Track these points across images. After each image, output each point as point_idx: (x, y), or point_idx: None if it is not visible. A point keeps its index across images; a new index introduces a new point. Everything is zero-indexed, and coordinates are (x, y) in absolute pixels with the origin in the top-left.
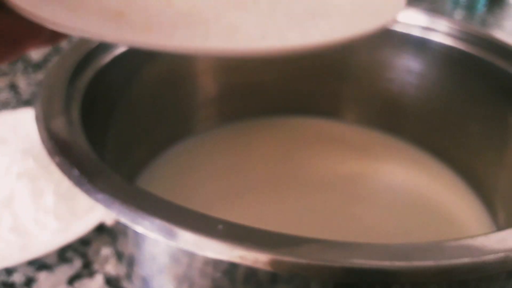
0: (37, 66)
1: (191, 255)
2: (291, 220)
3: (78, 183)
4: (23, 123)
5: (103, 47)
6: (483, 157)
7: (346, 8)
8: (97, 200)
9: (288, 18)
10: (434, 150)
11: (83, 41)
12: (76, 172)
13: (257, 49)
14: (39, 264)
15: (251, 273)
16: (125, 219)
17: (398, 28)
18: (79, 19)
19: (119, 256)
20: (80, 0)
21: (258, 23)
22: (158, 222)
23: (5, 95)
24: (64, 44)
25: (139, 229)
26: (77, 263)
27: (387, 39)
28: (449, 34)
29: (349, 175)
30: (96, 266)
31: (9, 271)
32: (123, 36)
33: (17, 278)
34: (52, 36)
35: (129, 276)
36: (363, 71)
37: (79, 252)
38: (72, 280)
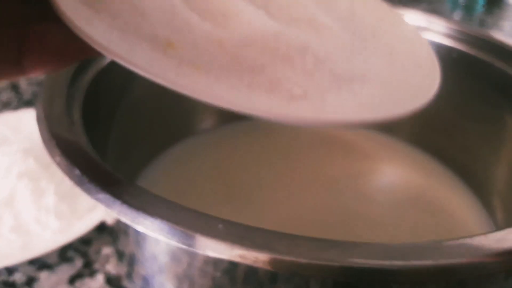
0: None
1: (191, 254)
2: (291, 219)
3: (79, 182)
4: (24, 123)
5: None
6: (481, 157)
7: (384, 78)
8: (98, 199)
9: (330, 79)
10: (433, 151)
11: None
12: (77, 171)
13: (298, 117)
14: (40, 264)
15: (251, 272)
16: (126, 219)
17: None
18: (129, 44)
19: (120, 255)
20: (134, 19)
21: (300, 79)
22: (158, 221)
23: (6, 95)
24: None
25: (140, 228)
26: (78, 263)
27: None
28: (447, 35)
29: (347, 175)
30: (97, 266)
31: (10, 270)
32: (167, 74)
33: (18, 277)
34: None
35: (129, 275)
36: None
37: (80, 252)
38: (73, 279)
